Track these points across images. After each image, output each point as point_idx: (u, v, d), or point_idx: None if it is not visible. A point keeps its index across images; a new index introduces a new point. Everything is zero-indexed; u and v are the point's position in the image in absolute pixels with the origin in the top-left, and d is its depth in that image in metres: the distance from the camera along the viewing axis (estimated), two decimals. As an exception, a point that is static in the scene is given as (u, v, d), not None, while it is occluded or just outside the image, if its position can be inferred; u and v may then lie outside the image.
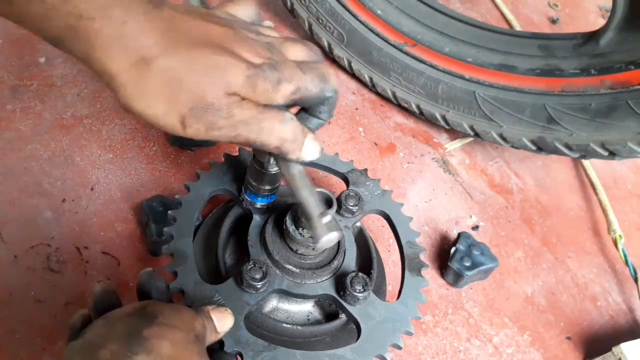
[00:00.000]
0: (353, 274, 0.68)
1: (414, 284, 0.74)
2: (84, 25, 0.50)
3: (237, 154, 0.82)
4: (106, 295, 0.58)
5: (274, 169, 0.69)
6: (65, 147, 0.96)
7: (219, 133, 0.56)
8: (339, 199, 0.77)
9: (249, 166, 0.71)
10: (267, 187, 0.72)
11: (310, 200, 0.62)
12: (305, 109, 0.63)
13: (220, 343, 0.60)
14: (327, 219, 0.61)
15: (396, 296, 0.73)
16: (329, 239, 0.61)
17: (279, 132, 0.58)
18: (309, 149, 0.61)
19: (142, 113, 0.55)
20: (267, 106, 0.57)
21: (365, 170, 0.85)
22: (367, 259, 0.79)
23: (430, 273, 0.99)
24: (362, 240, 0.82)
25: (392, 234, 0.82)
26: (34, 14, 0.49)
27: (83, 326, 0.56)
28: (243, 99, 0.55)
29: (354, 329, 0.69)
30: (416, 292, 0.73)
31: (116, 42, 0.52)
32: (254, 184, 0.71)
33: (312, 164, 0.85)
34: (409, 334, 0.68)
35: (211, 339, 0.57)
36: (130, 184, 0.95)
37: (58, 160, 0.94)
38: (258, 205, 0.74)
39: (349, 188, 0.80)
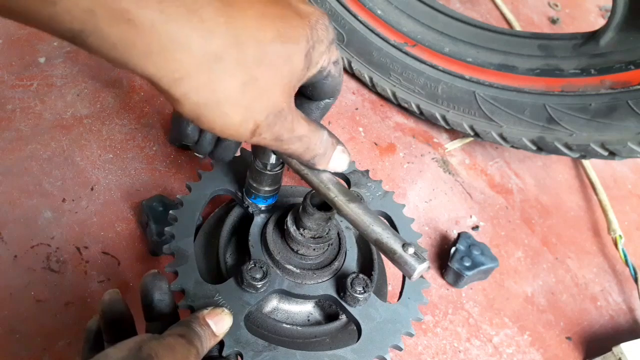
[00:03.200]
0: (354, 275, 0.68)
1: (415, 285, 0.74)
2: (107, 9, 0.37)
3: (238, 154, 0.82)
4: (114, 305, 0.58)
5: (275, 169, 0.69)
6: (65, 147, 0.96)
7: (278, 145, 0.53)
8: None
9: (249, 168, 0.71)
10: (268, 189, 0.71)
11: (384, 232, 0.57)
12: (307, 95, 0.61)
13: (220, 344, 0.60)
14: (411, 249, 0.56)
15: (397, 297, 0.73)
16: (421, 271, 0.55)
17: (317, 149, 0.57)
18: (338, 161, 0.60)
19: (215, 123, 0.46)
20: (313, 123, 0.56)
21: (367, 171, 0.85)
22: (368, 260, 0.79)
23: (430, 273, 0.99)
24: (364, 242, 0.81)
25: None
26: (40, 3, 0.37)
27: (98, 330, 0.58)
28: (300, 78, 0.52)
29: (354, 330, 0.69)
30: (417, 294, 0.73)
31: (163, 32, 0.40)
32: (254, 185, 0.71)
33: None
34: (410, 335, 0.68)
35: (210, 344, 0.57)
36: (130, 184, 0.95)
37: (58, 160, 0.94)
38: (259, 206, 0.74)
39: (351, 189, 0.80)
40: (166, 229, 0.70)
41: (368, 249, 0.80)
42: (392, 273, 0.93)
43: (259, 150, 0.68)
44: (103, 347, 0.58)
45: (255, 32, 0.45)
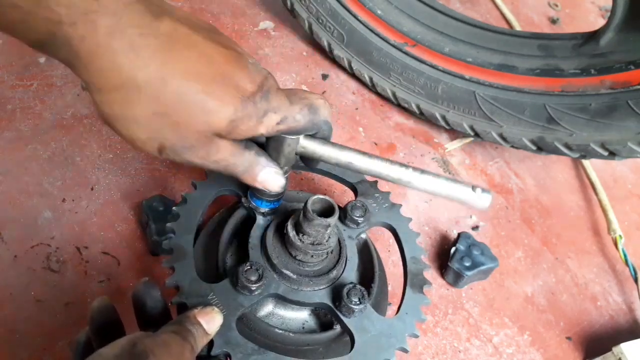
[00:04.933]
0: (351, 285, 0.67)
1: (414, 300, 0.72)
2: (65, 32, 0.48)
3: None
4: (103, 311, 0.58)
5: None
6: (65, 147, 0.96)
7: (192, 164, 0.60)
8: (344, 209, 0.76)
9: None
10: (272, 193, 0.71)
11: (445, 185, 0.68)
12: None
13: (209, 344, 0.60)
14: (479, 189, 0.67)
15: (395, 306, 0.72)
16: (487, 204, 0.67)
17: (235, 168, 0.63)
18: (266, 180, 0.65)
19: (120, 132, 0.55)
20: (238, 146, 0.61)
21: (376, 182, 0.84)
22: (369, 273, 0.78)
23: (430, 273, 0.99)
24: (366, 253, 0.80)
25: (392, 235, 0.82)
26: (9, 19, 0.46)
27: (88, 341, 0.57)
28: (223, 136, 0.58)
29: (348, 341, 0.67)
30: (416, 309, 0.71)
31: (103, 55, 0.49)
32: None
33: (323, 172, 0.84)
34: (405, 351, 0.67)
35: (202, 342, 0.57)
36: (130, 184, 0.95)
37: (58, 160, 0.94)
38: (262, 209, 0.74)
39: (357, 198, 0.79)
40: (168, 224, 0.70)
41: (370, 260, 0.79)
42: (391, 272, 0.93)
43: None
44: None
45: (181, 80, 0.53)
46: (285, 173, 0.70)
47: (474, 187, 0.68)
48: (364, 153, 0.67)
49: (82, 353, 0.57)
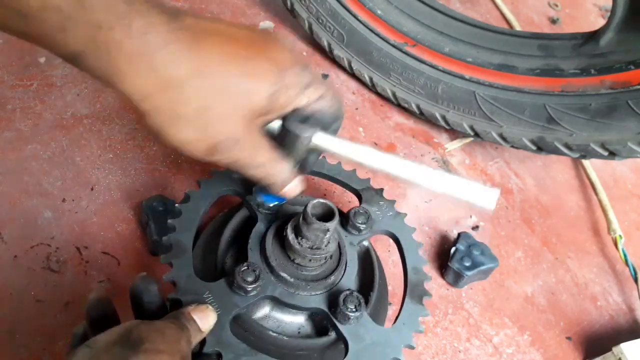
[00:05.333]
0: (348, 292, 0.67)
1: (413, 311, 0.71)
2: (103, 37, 0.47)
3: None
4: (100, 303, 0.58)
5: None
6: (65, 147, 0.96)
7: (237, 167, 0.60)
8: (347, 215, 0.75)
9: None
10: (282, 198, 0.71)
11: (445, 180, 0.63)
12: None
13: (202, 342, 0.60)
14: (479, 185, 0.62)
15: (396, 307, 0.72)
16: (494, 201, 0.62)
17: (274, 178, 0.64)
18: (292, 188, 0.66)
19: (172, 138, 0.55)
20: (278, 154, 0.62)
21: (382, 189, 0.83)
22: (369, 280, 0.77)
23: (430, 273, 0.99)
24: (367, 261, 0.79)
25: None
26: (50, 25, 0.46)
27: (84, 334, 0.57)
28: (264, 117, 0.59)
29: (343, 348, 0.66)
30: (414, 320, 0.70)
31: (140, 57, 0.49)
32: None
33: (328, 177, 0.84)
34: None
35: (195, 340, 0.57)
36: (130, 184, 0.95)
37: (58, 160, 0.94)
38: (266, 205, 0.73)
39: (361, 205, 0.79)
40: (169, 220, 0.70)
41: (370, 268, 0.78)
42: (391, 272, 0.93)
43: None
44: None
45: (218, 68, 0.53)
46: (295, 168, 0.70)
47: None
48: (375, 150, 0.66)
49: (78, 343, 0.57)
